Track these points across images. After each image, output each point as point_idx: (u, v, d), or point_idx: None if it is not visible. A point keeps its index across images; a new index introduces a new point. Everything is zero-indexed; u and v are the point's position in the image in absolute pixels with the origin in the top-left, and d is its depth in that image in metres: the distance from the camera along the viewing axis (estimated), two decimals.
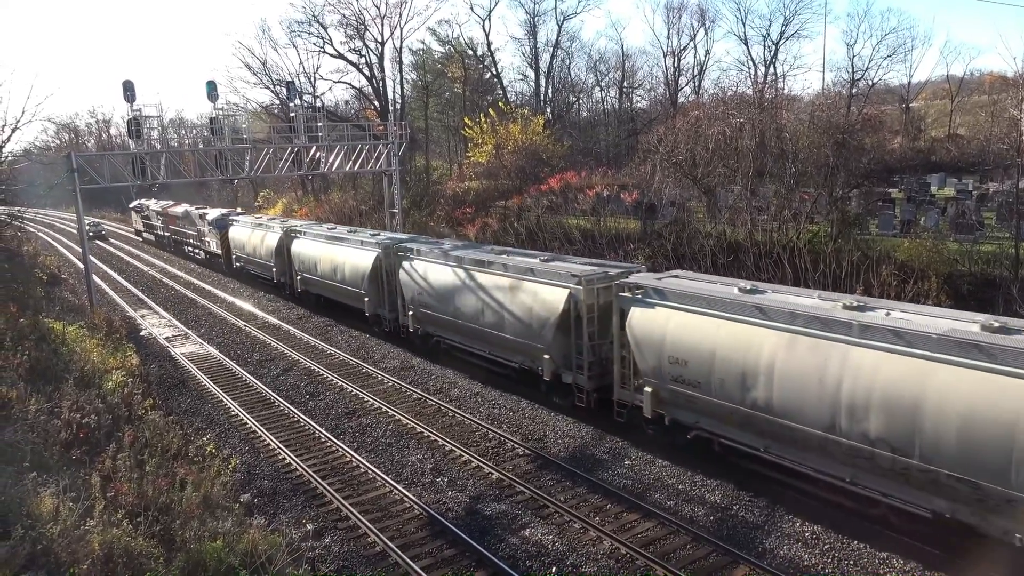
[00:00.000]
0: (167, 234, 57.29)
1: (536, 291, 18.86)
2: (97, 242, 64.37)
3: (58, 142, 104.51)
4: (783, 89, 54.73)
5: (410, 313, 24.41)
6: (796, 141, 31.07)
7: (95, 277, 34.98)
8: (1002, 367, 10.34)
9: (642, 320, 15.70)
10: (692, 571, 11.78)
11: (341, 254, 29.37)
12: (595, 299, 17.52)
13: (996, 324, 11.26)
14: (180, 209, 53.96)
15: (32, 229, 73.47)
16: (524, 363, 19.74)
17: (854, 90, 55.66)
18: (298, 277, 32.96)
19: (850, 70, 58.24)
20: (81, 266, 35.70)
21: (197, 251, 50.19)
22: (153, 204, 61.84)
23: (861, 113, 39.25)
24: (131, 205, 71.56)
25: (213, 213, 47.43)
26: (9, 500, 10.76)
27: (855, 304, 12.91)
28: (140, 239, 67.48)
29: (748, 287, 14.85)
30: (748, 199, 29.52)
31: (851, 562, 11.90)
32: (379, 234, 30.43)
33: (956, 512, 11.08)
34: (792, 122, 33.52)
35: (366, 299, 27.26)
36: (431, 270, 23.31)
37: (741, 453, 14.35)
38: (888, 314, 12.44)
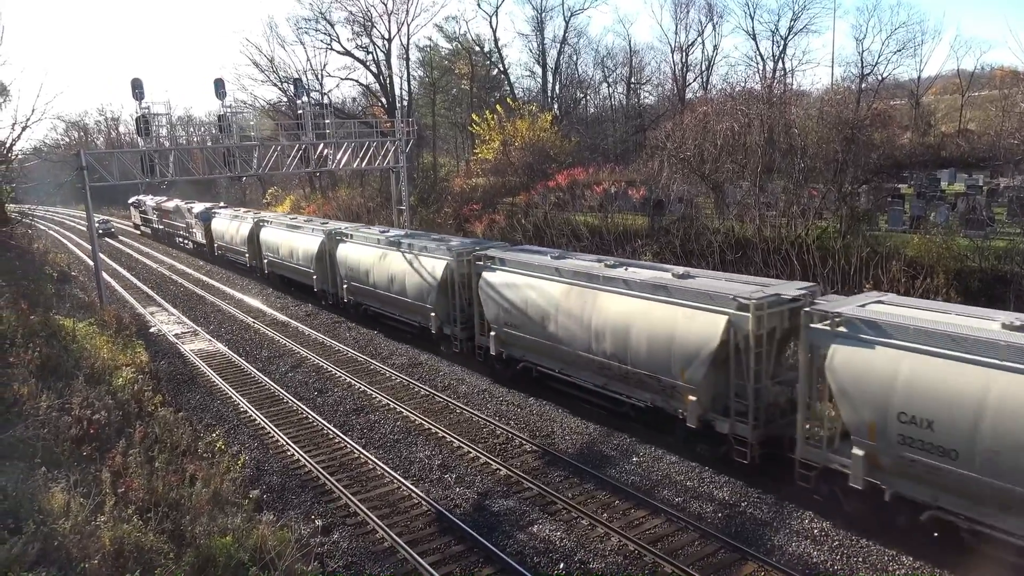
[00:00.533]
0: (161, 227, 61.88)
1: (678, 317, 15.30)
2: (106, 239, 64.72)
3: (67, 140, 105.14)
4: (792, 84, 54.42)
5: (492, 334, 20.87)
6: (805, 137, 30.94)
7: (104, 274, 35.16)
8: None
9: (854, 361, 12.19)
10: (700, 568, 11.77)
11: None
12: (765, 328, 13.98)
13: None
14: (172, 204, 58.70)
15: (42, 227, 73.91)
16: (655, 402, 16.17)
17: (863, 85, 55.28)
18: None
19: (859, 65, 57.90)
20: (91, 263, 35.87)
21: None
22: (149, 200, 65.99)
23: (870, 108, 38.99)
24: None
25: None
26: (20, 495, 10.84)
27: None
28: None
29: None
30: (756, 195, 29.41)
31: (860, 559, 11.86)
32: (449, 240, 25.99)
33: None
34: (801, 118, 33.33)
35: (432, 314, 23.81)
36: (523, 284, 19.52)
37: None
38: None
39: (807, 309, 13.35)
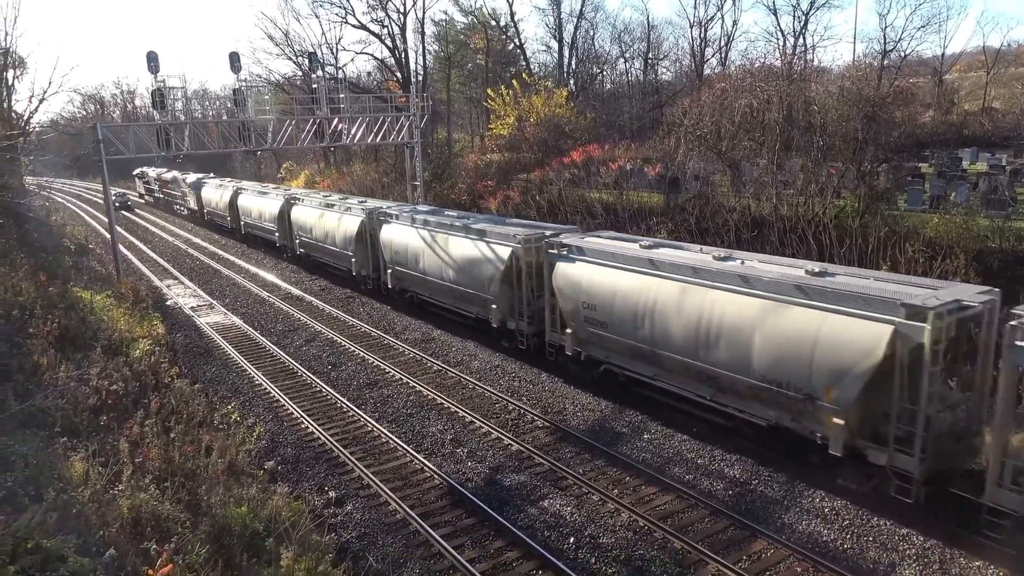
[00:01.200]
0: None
1: (823, 323, 12.75)
2: (123, 212, 65.19)
3: (84, 113, 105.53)
4: (812, 61, 53.49)
5: (569, 332, 18.66)
6: (824, 114, 30.46)
7: (121, 247, 35.44)
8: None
9: None
10: (709, 544, 11.84)
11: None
12: (944, 341, 11.70)
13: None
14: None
15: (60, 199, 74.51)
16: (782, 421, 13.90)
17: (886, 62, 54.24)
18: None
19: (882, 41, 56.69)
20: (108, 236, 36.16)
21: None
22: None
23: (892, 85, 38.30)
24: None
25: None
26: (41, 463, 11.04)
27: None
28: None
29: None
30: (774, 173, 29.06)
31: (870, 538, 11.88)
32: (509, 222, 23.81)
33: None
34: (821, 95, 32.79)
35: (493, 306, 21.36)
36: (610, 278, 17.23)
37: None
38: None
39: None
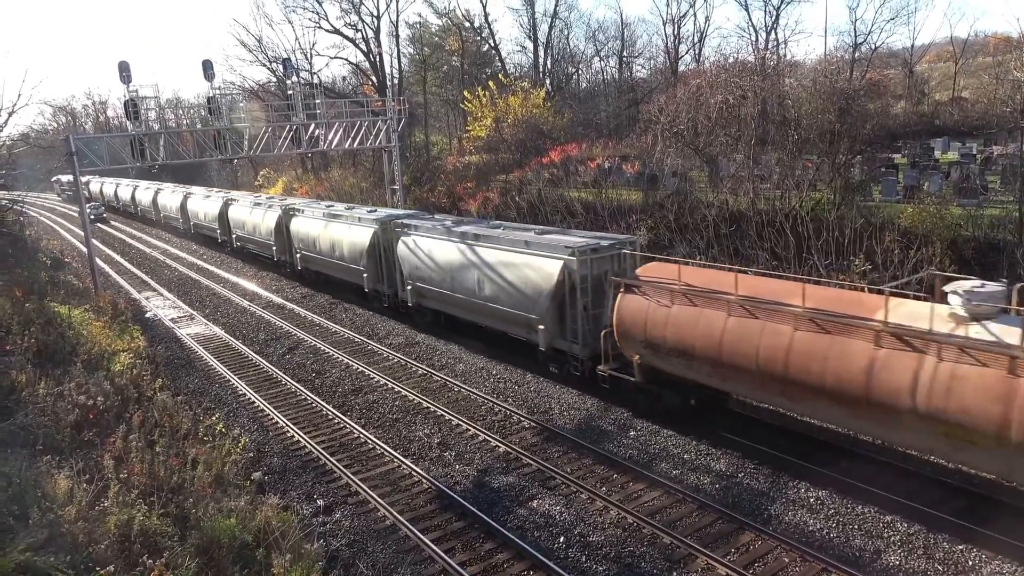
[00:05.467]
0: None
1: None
2: (98, 225, 64.35)
3: (55, 125, 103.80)
4: (785, 55, 54.09)
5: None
6: (799, 108, 30.82)
7: (98, 260, 35.02)
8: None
9: None
10: (698, 538, 11.95)
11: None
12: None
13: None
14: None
15: (33, 213, 73.40)
16: (527, 336, 19.22)
17: (857, 55, 54.91)
18: (234, 234, 42.22)
19: (852, 34, 57.50)
20: (84, 249, 35.73)
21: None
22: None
23: (864, 78, 38.84)
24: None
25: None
26: (24, 482, 10.92)
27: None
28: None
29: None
30: (750, 168, 29.35)
31: (856, 526, 12.05)
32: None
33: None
34: (795, 88, 33.18)
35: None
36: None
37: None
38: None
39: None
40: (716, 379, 14.75)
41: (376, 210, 30.83)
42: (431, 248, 23.37)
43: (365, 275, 27.93)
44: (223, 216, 43.27)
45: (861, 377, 11.72)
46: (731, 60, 39.21)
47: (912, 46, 60.78)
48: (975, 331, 10.79)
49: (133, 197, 66.98)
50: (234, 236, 41.91)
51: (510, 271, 19.88)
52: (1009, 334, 10.40)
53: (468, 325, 23.03)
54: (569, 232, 21.41)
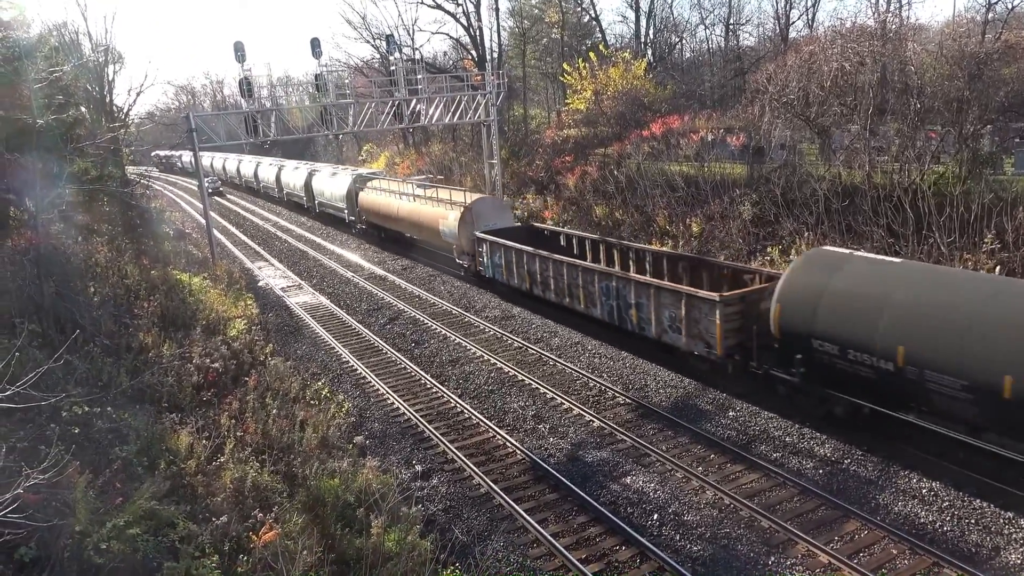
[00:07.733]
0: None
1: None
2: (215, 198, 68.14)
3: (177, 104, 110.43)
4: (908, 18, 50.31)
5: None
6: (922, 74, 28.68)
7: (215, 232, 37.13)
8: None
9: None
10: (799, 524, 11.57)
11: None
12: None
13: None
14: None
15: (159, 187, 78.49)
16: (460, 260, 29.06)
17: (991, 15, 50.50)
18: (316, 201, 47.58)
19: None
20: (203, 221, 37.96)
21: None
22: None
23: (999, 40, 35.65)
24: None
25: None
26: (151, 436, 11.82)
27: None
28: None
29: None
30: (867, 139, 27.64)
31: (972, 521, 11.34)
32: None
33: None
34: (918, 54, 30.85)
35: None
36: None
37: None
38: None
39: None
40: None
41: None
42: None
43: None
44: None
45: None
46: (848, 25, 36.81)
47: None
48: None
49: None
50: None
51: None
52: None
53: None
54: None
